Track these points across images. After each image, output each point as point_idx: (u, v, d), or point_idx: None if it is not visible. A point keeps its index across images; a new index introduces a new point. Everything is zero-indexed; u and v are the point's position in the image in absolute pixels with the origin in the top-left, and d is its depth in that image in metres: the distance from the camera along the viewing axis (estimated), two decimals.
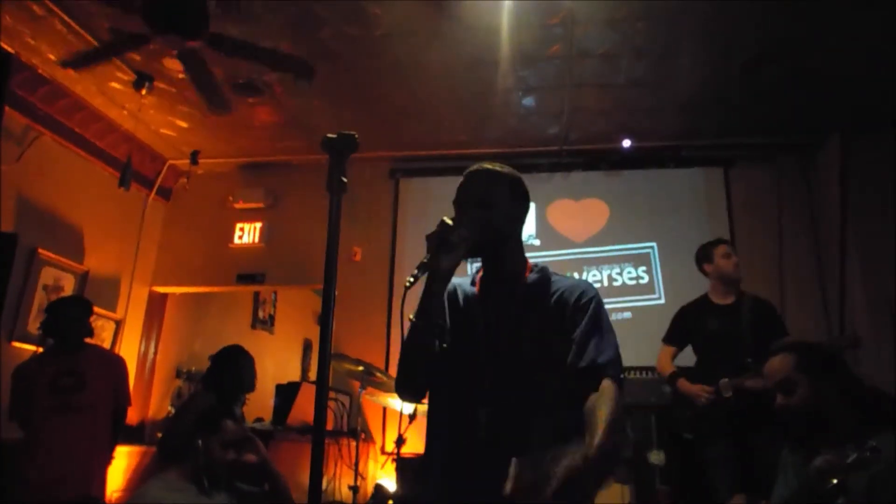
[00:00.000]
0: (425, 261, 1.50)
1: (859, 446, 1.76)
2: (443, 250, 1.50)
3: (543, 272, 1.70)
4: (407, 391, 1.67)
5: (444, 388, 1.63)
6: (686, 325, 3.83)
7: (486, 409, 1.51)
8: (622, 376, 1.55)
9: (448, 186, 1.73)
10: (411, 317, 1.57)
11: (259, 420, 5.01)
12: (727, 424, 3.38)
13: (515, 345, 1.57)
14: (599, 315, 1.60)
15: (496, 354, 1.57)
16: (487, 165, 1.70)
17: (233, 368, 3.66)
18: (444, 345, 1.57)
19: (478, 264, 1.77)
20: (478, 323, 1.63)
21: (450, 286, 1.70)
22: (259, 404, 5.15)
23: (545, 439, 1.46)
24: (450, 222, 1.52)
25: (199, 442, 2.34)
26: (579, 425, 1.54)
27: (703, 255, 3.89)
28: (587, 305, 1.60)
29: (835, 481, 1.79)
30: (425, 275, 1.52)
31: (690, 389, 3.54)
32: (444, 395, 1.64)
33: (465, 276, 1.78)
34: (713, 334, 3.63)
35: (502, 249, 1.67)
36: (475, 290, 1.71)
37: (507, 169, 1.71)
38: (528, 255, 1.74)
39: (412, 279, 1.47)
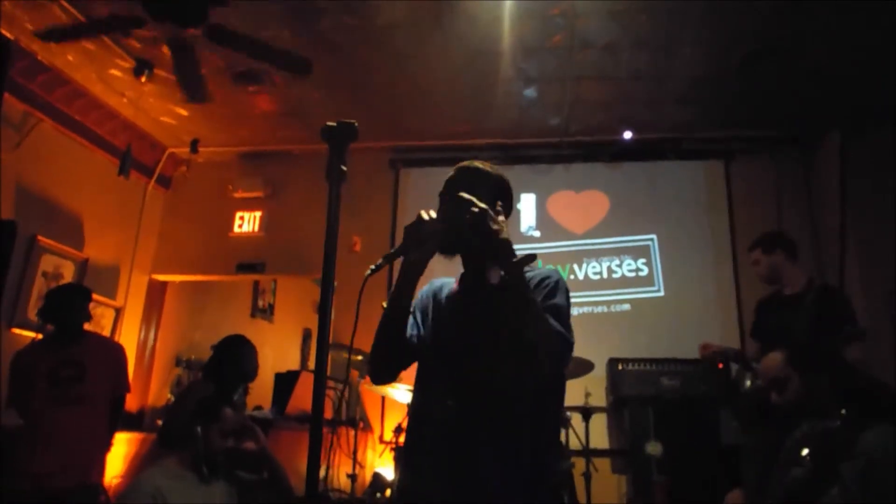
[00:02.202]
0: (391, 252, 1.55)
1: (833, 419, 1.78)
2: (413, 243, 1.55)
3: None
4: (378, 374, 1.73)
5: (422, 379, 1.69)
6: (758, 318, 3.70)
7: (456, 402, 1.54)
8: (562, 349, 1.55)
9: (445, 178, 1.74)
10: (384, 304, 1.66)
11: (258, 408, 5.02)
12: (757, 416, 3.35)
13: (483, 341, 1.58)
14: (555, 290, 1.62)
15: (466, 351, 1.59)
16: (478, 164, 1.73)
17: (234, 357, 3.66)
18: (413, 333, 1.67)
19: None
20: (454, 318, 1.67)
21: (438, 285, 1.78)
22: (258, 393, 5.16)
23: (515, 432, 1.51)
24: (426, 216, 1.55)
25: (199, 430, 2.35)
26: (546, 418, 1.61)
27: None
28: (548, 283, 1.63)
29: (805, 451, 1.82)
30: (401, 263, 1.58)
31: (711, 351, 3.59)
32: (421, 386, 1.69)
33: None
34: (773, 327, 3.49)
35: (474, 246, 1.64)
36: (455, 288, 1.75)
37: (496, 170, 1.74)
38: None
39: (374, 268, 1.50)
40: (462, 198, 1.54)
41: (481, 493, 1.47)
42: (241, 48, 3.72)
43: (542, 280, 1.64)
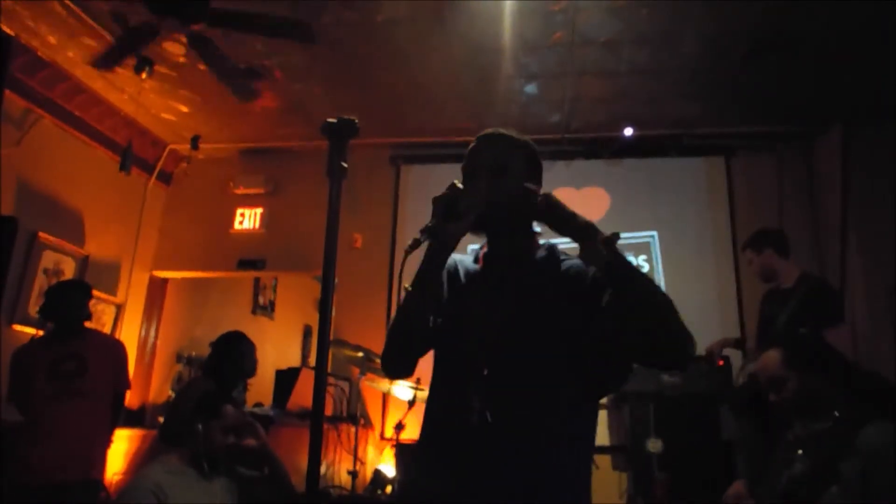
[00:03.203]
0: (430, 225, 1.37)
1: (827, 420, 1.79)
2: (450, 217, 1.37)
3: (552, 250, 1.56)
4: (393, 365, 1.54)
5: (441, 369, 1.51)
6: (759, 312, 3.82)
7: (480, 394, 1.36)
8: None
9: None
10: (407, 286, 1.45)
11: (259, 405, 5.03)
12: (749, 408, 3.37)
13: (518, 324, 1.42)
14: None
15: (501, 336, 1.41)
16: (503, 130, 1.56)
17: (233, 354, 3.67)
18: (439, 320, 1.47)
19: (474, 246, 1.65)
20: (478, 301, 1.49)
21: (450, 261, 1.56)
22: (259, 389, 5.17)
23: (545, 428, 1.36)
24: (461, 186, 1.41)
25: (199, 426, 2.36)
26: (585, 413, 1.45)
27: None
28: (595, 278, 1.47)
29: (800, 452, 1.82)
30: (426, 243, 1.39)
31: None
32: (440, 376, 1.50)
33: (467, 255, 1.65)
34: (768, 320, 3.62)
35: (512, 224, 1.52)
36: (478, 266, 1.57)
37: (522, 136, 1.57)
38: None
39: (413, 244, 1.36)
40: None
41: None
42: (246, 29, 3.69)
43: (582, 267, 1.48)
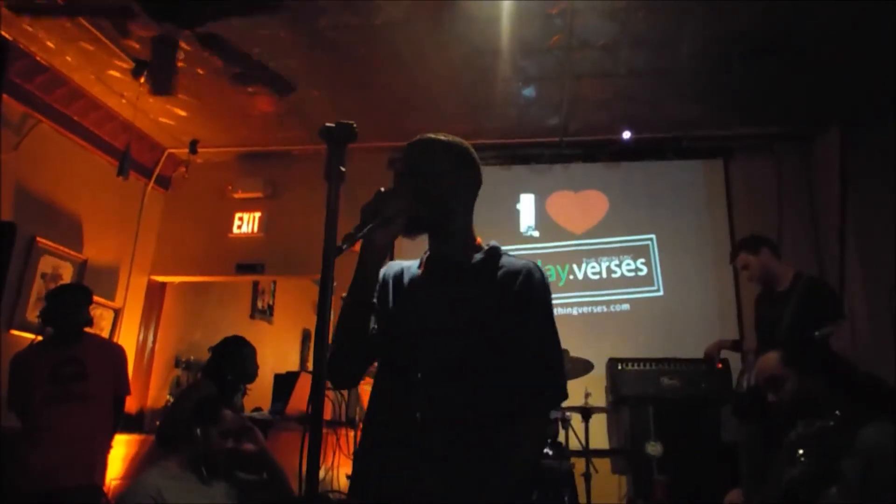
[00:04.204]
0: (352, 232, 1.32)
1: (828, 418, 1.79)
2: (378, 223, 1.35)
3: (493, 251, 1.55)
4: (337, 376, 1.51)
5: (382, 373, 1.52)
6: (755, 315, 3.84)
7: (419, 399, 1.39)
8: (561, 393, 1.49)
9: None
10: (343, 295, 1.45)
11: (257, 409, 5.02)
12: (753, 413, 3.38)
13: (454, 330, 1.44)
14: (551, 312, 1.50)
15: (433, 340, 1.44)
16: (430, 135, 1.57)
17: (234, 359, 3.68)
18: (374, 327, 1.46)
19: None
20: (416, 307, 1.50)
21: (396, 268, 1.60)
22: (258, 394, 5.16)
23: (479, 431, 1.38)
24: (386, 191, 1.40)
25: (198, 431, 2.35)
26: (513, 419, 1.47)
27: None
28: (540, 294, 1.49)
29: (801, 451, 1.83)
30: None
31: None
32: (381, 380, 1.51)
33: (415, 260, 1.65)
34: (766, 323, 3.62)
35: (449, 226, 1.54)
36: (420, 271, 1.58)
37: (450, 138, 1.58)
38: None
39: (336, 251, 1.28)
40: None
41: None
42: (229, 59, 3.71)
43: (529, 279, 1.49)
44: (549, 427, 1.53)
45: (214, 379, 3.62)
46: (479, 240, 1.60)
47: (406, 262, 1.62)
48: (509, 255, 1.57)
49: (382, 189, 1.39)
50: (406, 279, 1.57)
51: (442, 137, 1.57)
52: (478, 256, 1.55)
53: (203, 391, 3.46)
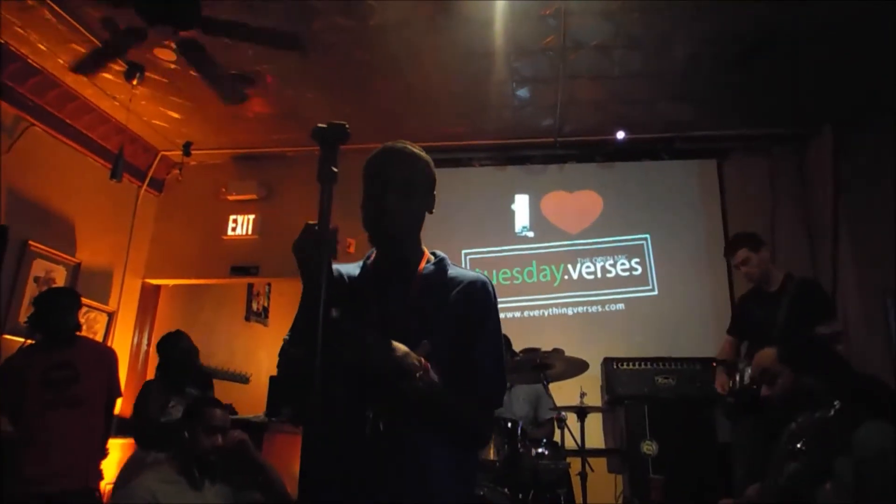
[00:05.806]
0: (304, 286, 1.38)
1: (828, 409, 1.80)
2: (314, 262, 1.28)
3: (440, 265, 1.56)
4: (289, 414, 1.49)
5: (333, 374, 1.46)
6: (740, 314, 3.85)
7: (371, 406, 1.37)
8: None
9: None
10: (286, 336, 1.48)
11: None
12: (750, 412, 3.38)
13: (402, 338, 1.39)
14: (496, 324, 1.51)
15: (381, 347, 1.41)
16: (408, 146, 1.56)
17: (175, 353, 3.98)
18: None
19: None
20: (367, 312, 1.49)
21: (334, 272, 1.57)
22: (254, 396, 5.15)
23: (430, 438, 1.39)
24: (312, 224, 1.28)
25: (185, 433, 2.36)
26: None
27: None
28: (485, 305, 1.50)
29: (799, 444, 1.84)
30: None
31: (717, 380, 3.65)
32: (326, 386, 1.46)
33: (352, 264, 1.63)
34: (757, 322, 3.63)
35: (406, 240, 1.55)
36: (359, 275, 1.58)
37: (422, 151, 1.57)
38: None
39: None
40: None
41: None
42: (237, 37, 3.70)
43: (469, 287, 1.50)
44: (485, 423, 1.49)
45: (164, 375, 3.95)
46: (426, 251, 1.59)
47: (346, 266, 1.61)
48: (457, 267, 1.58)
49: (308, 223, 1.30)
50: (347, 285, 1.56)
51: (418, 151, 1.55)
52: (428, 266, 1.55)
53: (154, 387, 3.88)
